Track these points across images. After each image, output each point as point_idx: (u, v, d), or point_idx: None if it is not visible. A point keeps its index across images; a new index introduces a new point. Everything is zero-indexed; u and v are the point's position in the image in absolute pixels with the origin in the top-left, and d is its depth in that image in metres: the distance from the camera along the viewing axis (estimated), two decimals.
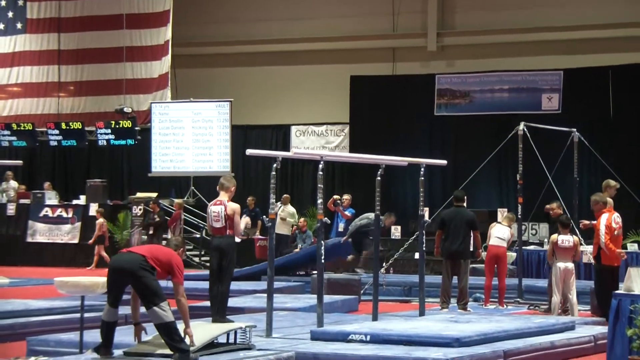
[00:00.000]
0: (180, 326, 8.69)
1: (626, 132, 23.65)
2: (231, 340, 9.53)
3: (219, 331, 9.44)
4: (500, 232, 15.21)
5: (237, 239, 11.19)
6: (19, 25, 29.31)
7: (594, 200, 13.46)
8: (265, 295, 11.10)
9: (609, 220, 12.77)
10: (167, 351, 8.55)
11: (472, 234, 14.75)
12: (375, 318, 12.09)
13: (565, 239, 13.75)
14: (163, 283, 8.74)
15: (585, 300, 15.04)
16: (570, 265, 13.75)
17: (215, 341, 9.26)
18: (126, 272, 8.61)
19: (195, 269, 22.24)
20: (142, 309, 8.78)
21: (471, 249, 15.10)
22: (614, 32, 24.66)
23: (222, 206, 11.02)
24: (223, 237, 11.00)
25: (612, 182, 14.53)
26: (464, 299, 14.56)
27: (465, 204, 15.12)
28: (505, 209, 21.05)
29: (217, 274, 10.98)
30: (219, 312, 10.80)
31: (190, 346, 8.67)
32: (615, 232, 12.77)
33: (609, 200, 13.57)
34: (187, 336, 8.72)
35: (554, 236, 14.01)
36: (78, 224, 25.24)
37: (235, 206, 11.06)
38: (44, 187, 26.38)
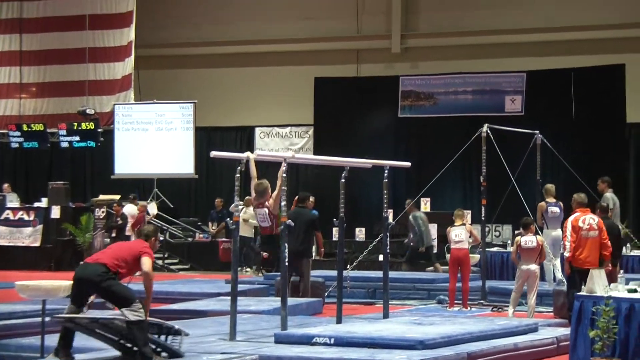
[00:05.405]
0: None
1: (588, 133, 23.80)
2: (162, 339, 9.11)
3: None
4: (457, 235, 15.27)
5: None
6: None
7: (573, 199, 13.03)
8: (229, 298, 11.07)
9: (575, 219, 12.48)
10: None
11: (314, 235, 15.10)
12: (339, 321, 12.07)
13: (529, 240, 13.80)
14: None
15: (548, 302, 15.12)
16: (533, 267, 13.76)
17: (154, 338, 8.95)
18: (90, 283, 8.66)
19: (159, 272, 22.07)
20: None
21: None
22: (576, 34, 24.83)
23: (265, 209, 11.76)
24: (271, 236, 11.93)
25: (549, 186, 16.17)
26: (307, 296, 14.92)
27: (308, 205, 15.30)
28: (466, 211, 20.81)
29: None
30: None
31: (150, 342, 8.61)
32: (583, 234, 12.29)
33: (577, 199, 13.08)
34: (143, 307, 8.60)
35: (518, 238, 14.08)
36: (40, 227, 24.99)
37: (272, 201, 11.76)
38: (3, 189, 26.11)
